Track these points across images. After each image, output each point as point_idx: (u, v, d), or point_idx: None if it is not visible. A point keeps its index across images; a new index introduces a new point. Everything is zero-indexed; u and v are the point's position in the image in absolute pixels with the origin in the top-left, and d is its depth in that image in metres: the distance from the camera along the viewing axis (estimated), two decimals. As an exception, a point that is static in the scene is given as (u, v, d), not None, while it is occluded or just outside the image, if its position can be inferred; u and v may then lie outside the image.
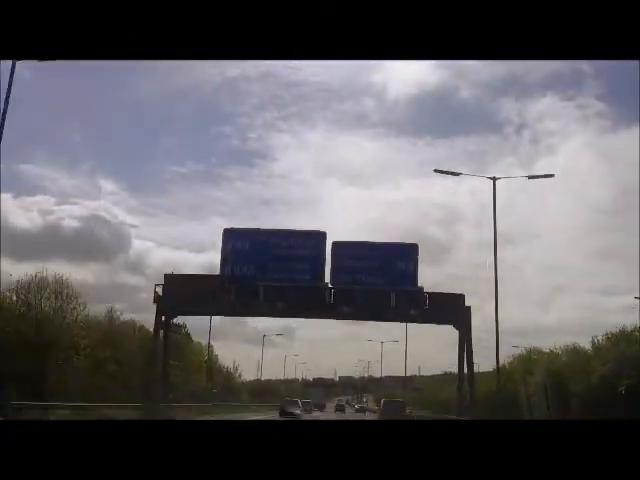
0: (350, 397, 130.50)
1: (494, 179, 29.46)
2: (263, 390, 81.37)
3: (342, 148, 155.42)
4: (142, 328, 44.21)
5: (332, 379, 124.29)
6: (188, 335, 53.11)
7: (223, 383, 62.37)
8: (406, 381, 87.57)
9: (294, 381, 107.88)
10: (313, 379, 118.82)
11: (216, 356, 64.67)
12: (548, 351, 48.63)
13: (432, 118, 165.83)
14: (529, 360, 48.89)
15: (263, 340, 70.30)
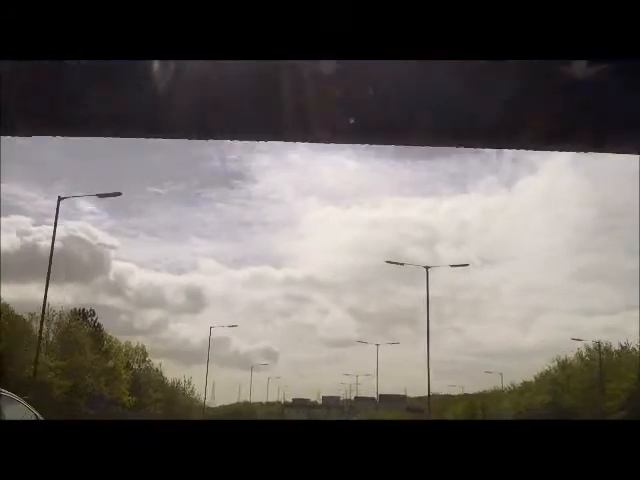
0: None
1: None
2: (234, 415, 72.72)
3: (322, 168, 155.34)
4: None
5: (315, 402, 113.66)
6: (98, 327, 39.25)
7: (165, 400, 44.34)
8: (399, 400, 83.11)
9: (275, 404, 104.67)
10: (293, 400, 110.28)
11: (145, 360, 44.95)
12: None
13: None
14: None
15: (209, 346, 54.84)
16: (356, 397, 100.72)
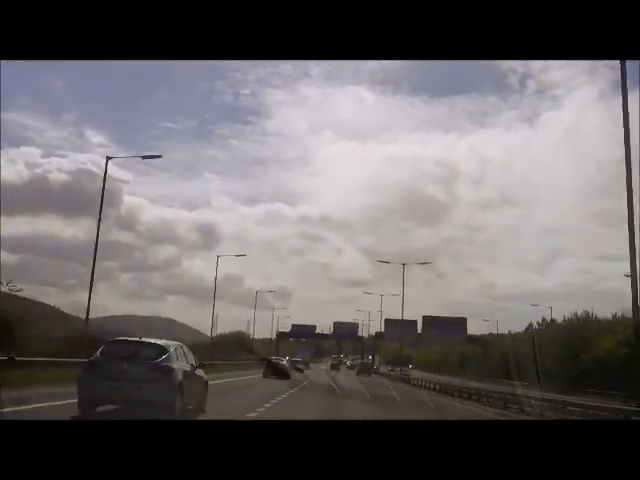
0: (351, 357, 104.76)
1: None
2: (227, 338, 65.85)
3: (338, 103, 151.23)
4: None
5: (322, 333, 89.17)
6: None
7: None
8: (457, 324, 67.11)
9: (276, 340, 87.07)
10: (293, 325, 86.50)
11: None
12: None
13: (433, 66, 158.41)
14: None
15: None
16: (386, 319, 76.55)
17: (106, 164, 25.98)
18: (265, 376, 36.00)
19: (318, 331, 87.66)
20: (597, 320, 46.72)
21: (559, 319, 56.89)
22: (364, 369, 64.53)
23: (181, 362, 12.49)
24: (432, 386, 38.86)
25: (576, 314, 49.56)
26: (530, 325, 60.46)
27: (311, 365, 72.07)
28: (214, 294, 46.73)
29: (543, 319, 59.00)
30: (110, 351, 11.89)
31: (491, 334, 63.44)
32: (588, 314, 48.27)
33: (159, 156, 31.28)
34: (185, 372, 12.42)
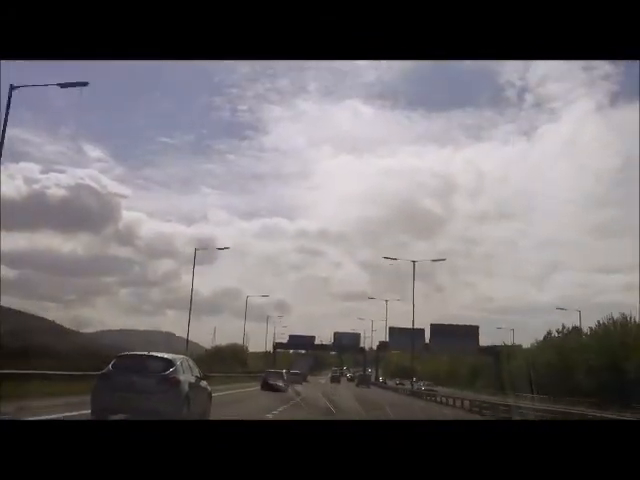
0: (353, 369, 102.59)
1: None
2: (220, 352, 65.84)
3: (336, 117, 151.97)
4: None
5: (321, 343, 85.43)
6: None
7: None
8: (468, 333, 64.62)
9: (273, 352, 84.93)
10: (290, 336, 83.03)
11: None
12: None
13: (430, 80, 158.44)
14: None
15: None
16: (391, 328, 71.11)
17: (9, 94, 23.05)
18: (263, 389, 35.99)
19: (317, 342, 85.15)
20: (636, 324, 41.68)
21: (554, 333, 54.37)
22: (363, 381, 68.05)
23: (187, 374, 13.20)
24: (444, 400, 35.53)
25: (612, 318, 44.56)
26: (549, 333, 57.99)
27: (309, 378, 70.25)
28: (191, 294, 42.46)
29: (564, 326, 56.45)
30: (121, 364, 12.63)
31: (505, 345, 61.32)
32: (626, 317, 42.80)
33: (85, 84, 22.43)
34: (191, 384, 13.08)
